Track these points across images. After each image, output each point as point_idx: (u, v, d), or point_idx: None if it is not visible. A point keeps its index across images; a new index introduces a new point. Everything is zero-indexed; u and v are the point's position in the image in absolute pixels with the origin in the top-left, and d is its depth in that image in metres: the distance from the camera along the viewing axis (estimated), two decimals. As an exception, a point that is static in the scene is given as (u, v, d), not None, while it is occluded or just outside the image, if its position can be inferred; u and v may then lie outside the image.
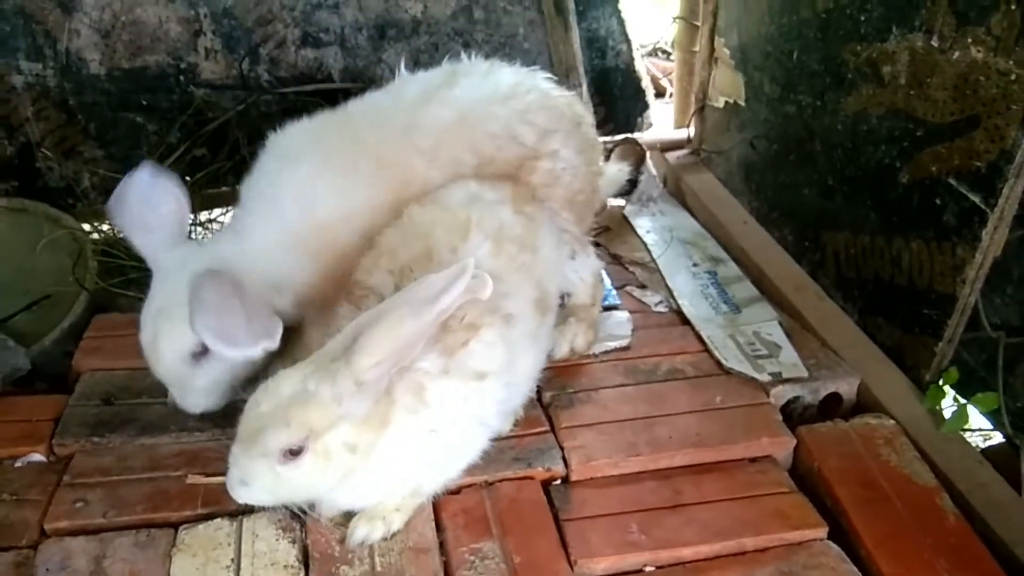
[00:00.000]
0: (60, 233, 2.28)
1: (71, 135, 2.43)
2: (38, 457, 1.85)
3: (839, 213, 2.23)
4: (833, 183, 2.24)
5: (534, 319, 1.75)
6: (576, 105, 2.09)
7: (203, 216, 2.57)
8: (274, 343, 1.65)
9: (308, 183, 1.84)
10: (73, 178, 2.42)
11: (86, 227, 2.38)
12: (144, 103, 2.46)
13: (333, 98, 2.65)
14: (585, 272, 2.11)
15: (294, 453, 1.41)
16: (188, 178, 2.55)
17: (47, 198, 2.43)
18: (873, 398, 2.02)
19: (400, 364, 1.45)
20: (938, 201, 1.89)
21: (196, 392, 1.82)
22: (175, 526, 1.68)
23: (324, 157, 1.86)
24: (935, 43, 1.82)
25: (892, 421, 1.95)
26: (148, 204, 1.79)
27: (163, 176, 1.82)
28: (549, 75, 2.05)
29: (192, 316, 1.60)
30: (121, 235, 2.43)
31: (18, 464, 1.83)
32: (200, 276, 1.63)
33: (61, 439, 1.87)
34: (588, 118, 2.12)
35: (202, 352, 1.74)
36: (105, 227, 2.41)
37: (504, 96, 1.93)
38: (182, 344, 1.74)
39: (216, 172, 2.50)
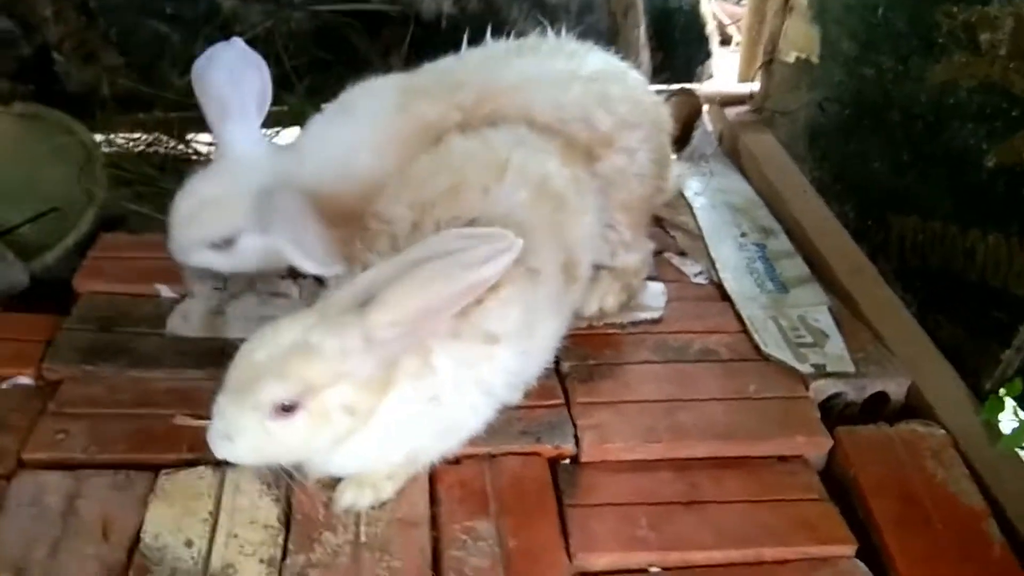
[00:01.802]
0: (71, 143, 2.16)
1: (91, 39, 2.29)
2: (26, 380, 1.77)
3: (910, 193, 2.01)
4: (907, 159, 2.01)
5: (559, 283, 1.60)
6: (662, 111, 1.98)
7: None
8: (337, 270, 1.58)
9: (353, 139, 1.80)
10: (91, 85, 2.30)
11: (99, 138, 2.26)
12: (169, 11, 2.31)
13: (369, 20, 2.48)
14: (633, 257, 1.97)
15: (287, 410, 1.28)
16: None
17: (65, 104, 2.31)
18: (924, 402, 1.84)
19: (416, 331, 1.32)
20: (1026, 192, 1.68)
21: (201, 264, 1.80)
22: (156, 469, 1.59)
23: (370, 116, 1.82)
24: (1049, 10, 1.58)
25: (942, 431, 1.77)
26: (232, 79, 1.74)
27: (253, 55, 1.79)
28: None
29: (272, 222, 1.59)
30: (136, 149, 2.33)
31: (4, 386, 1.75)
32: (283, 191, 1.64)
33: (51, 363, 1.79)
34: (669, 127, 2.01)
35: (224, 245, 1.73)
36: (120, 139, 2.29)
37: (586, 77, 1.83)
38: (213, 232, 1.72)
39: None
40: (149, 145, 2.31)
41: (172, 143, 2.35)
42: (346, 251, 1.65)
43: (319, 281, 2.01)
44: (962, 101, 1.82)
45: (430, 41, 2.46)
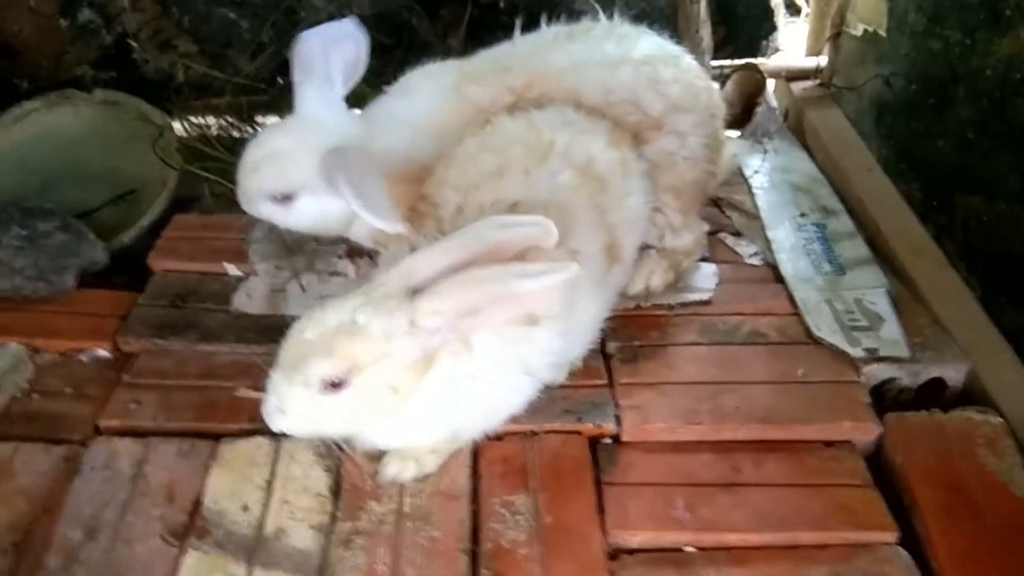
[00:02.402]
0: (147, 128, 2.28)
1: (166, 28, 2.41)
2: (103, 353, 1.90)
3: (976, 173, 1.93)
4: (973, 137, 1.93)
5: (601, 264, 1.62)
6: (715, 96, 1.97)
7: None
8: (400, 228, 1.61)
9: (415, 121, 1.83)
10: (168, 72, 2.41)
11: (176, 125, 2.38)
12: (238, -1, 2.41)
13: (429, 3, 2.52)
14: (683, 239, 1.97)
15: (335, 385, 1.35)
16: (279, 79, 2.51)
17: (143, 90, 2.43)
18: (982, 389, 1.78)
19: (458, 326, 1.36)
20: (1096, 173, 1.60)
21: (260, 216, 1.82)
22: (218, 438, 1.69)
23: (430, 100, 1.85)
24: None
25: (999, 419, 1.71)
26: (324, 46, 1.80)
27: (356, 31, 1.84)
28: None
29: (339, 174, 1.61)
30: (208, 133, 2.44)
31: (83, 358, 1.89)
32: (351, 149, 1.68)
33: (126, 337, 1.91)
34: (723, 112, 1.99)
35: (284, 200, 1.75)
36: (192, 123, 2.40)
37: (637, 60, 1.83)
38: (274, 185, 1.75)
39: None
40: (220, 129, 2.41)
41: (242, 126, 2.44)
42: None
43: (375, 260, 2.09)
44: (1030, 76, 1.74)
45: (488, 22, 2.48)
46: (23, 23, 2.37)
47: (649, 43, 1.89)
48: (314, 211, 1.78)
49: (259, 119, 2.50)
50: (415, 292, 1.35)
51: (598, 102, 1.80)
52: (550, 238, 1.38)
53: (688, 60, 1.92)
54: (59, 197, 2.22)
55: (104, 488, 1.60)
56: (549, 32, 1.91)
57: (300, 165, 1.72)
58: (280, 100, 2.46)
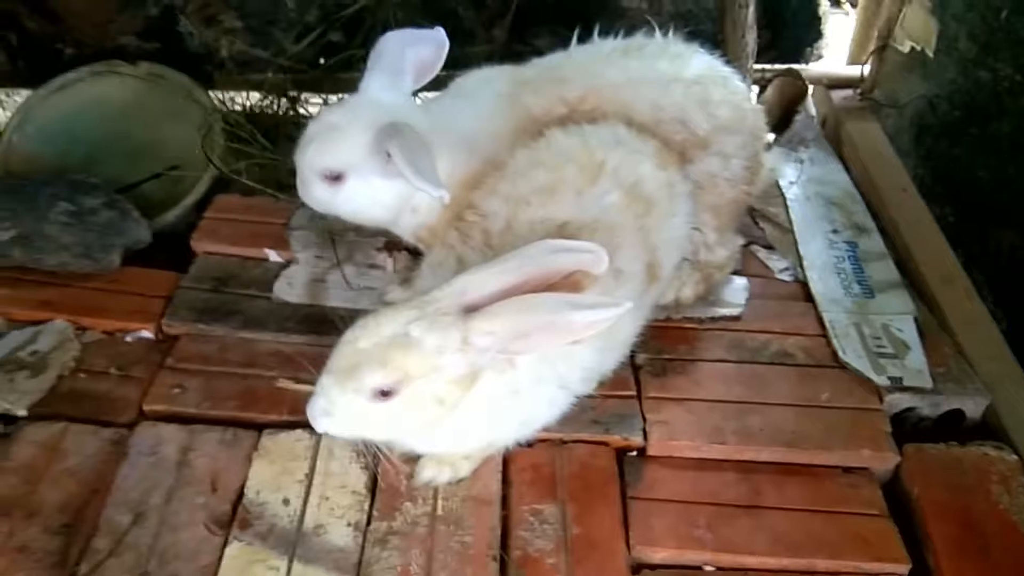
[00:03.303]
0: (191, 105, 2.30)
1: (213, 2, 2.40)
2: (147, 334, 1.95)
3: (1013, 207, 1.95)
4: (1014, 173, 1.95)
5: (642, 282, 1.66)
6: (760, 119, 1.98)
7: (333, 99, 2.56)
8: (447, 197, 1.62)
9: (474, 123, 1.84)
10: (212, 46, 2.42)
11: (218, 101, 2.39)
12: (285, -23, 2.40)
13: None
14: (718, 254, 2.01)
15: (384, 394, 1.40)
16: (322, 60, 2.52)
17: (187, 63, 2.44)
18: (999, 424, 1.83)
19: (508, 347, 1.39)
20: None
21: (311, 199, 1.80)
22: (260, 428, 1.75)
23: (488, 103, 1.86)
24: None
25: (1015, 456, 1.77)
26: (401, 43, 1.80)
27: (441, 37, 1.83)
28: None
29: (393, 142, 1.62)
30: (250, 109, 2.45)
31: (128, 339, 1.94)
32: (407, 124, 1.68)
33: (170, 320, 1.96)
34: (766, 135, 2.03)
35: (333, 180, 1.74)
36: (235, 100, 2.41)
37: (688, 80, 1.84)
38: (326, 161, 1.73)
39: (349, 58, 2.44)
40: (262, 107, 2.43)
41: (284, 105, 2.45)
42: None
43: (413, 254, 2.12)
44: (1078, 121, 1.75)
45: (534, 14, 2.47)
46: (71, -10, 2.38)
47: (701, 62, 1.89)
48: (363, 195, 1.76)
49: (300, 98, 2.51)
50: (468, 309, 1.39)
51: (648, 119, 1.81)
52: (601, 265, 1.42)
53: (737, 82, 1.93)
54: (103, 170, 2.24)
55: (151, 473, 1.66)
56: (605, 46, 1.91)
57: (353, 142, 1.70)
58: (322, 81, 2.48)
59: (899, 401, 1.85)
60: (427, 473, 1.67)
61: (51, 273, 2.03)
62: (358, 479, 1.68)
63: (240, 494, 1.64)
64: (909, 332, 1.99)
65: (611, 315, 1.36)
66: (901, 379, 1.87)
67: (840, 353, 1.93)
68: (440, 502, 1.65)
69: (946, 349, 1.96)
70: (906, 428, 1.87)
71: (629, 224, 1.62)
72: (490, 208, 1.63)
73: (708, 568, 1.60)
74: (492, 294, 1.39)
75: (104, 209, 2.07)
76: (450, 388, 1.42)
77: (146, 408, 1.78)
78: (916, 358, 1.92)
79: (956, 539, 1.63)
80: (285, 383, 1.83)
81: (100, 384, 1.83)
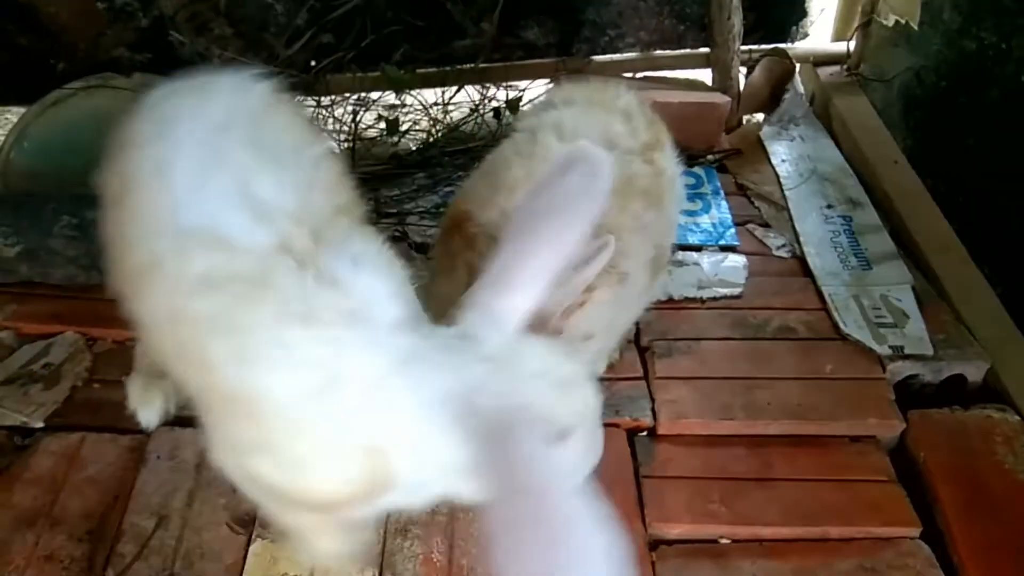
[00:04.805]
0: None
1: (202, 11, 2.41)
2: (158, 341, 1.97)
3: (1003, 172, 1.99)
4: (1002, 138, 1.98)
5: (645, 278, 1.68)
6: None
7: (326, 101, 2.58)
8: None
9: None
10: (203, 55, 2.43)
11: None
12: (273, -19, 2.41)
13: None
14: None
15: None
16: (313, 63, 2.53)
17: (179, 72, 2.44)
18: (1001, 386, 1.87)
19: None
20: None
21: None
22: (275, 428, 1.77)
23: None
24: None
25: (1017, 417, 1.80)
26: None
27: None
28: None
29: None
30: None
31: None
32: None
33: (179, 326, 1.98)
34: None
35: None
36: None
37: None
38: None
39: (340, 60, 2.45)
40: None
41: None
42: None
43: (418, 250, 2.14)
44: (1064, 85, 1.78)
45: (522, 8, 2.49)
46: (60, 5, 2.38)
47: None
48: None
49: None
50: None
51: None
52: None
53: None
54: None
55: (171, 477, 1.68)
56: None
57: None
58: (313, 85, 2.50)
59: (901, 369, 1.88)
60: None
61: (59, 287, 2.04)
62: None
63: (260, 493, 1.66)
64: (907, 301, 2.02)
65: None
66: (902, 347, 1.90)
67: (841, 325, 1.96)
68: (457, 491, 1.67)
69: (945, 316, 1.99)
70: (910, 395, 1.90)
71: (628, 226, 1.63)
72: (489, 219, 1.61)
73: (724, 541, 1.63)
74: None
75: (107, 220, 2.09)
76: None
77: (164, 413, 1.81)
78: (916, 326, 1.95)
79: (964, 501, 1.66)
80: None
81: (115, 393, 1.84)
